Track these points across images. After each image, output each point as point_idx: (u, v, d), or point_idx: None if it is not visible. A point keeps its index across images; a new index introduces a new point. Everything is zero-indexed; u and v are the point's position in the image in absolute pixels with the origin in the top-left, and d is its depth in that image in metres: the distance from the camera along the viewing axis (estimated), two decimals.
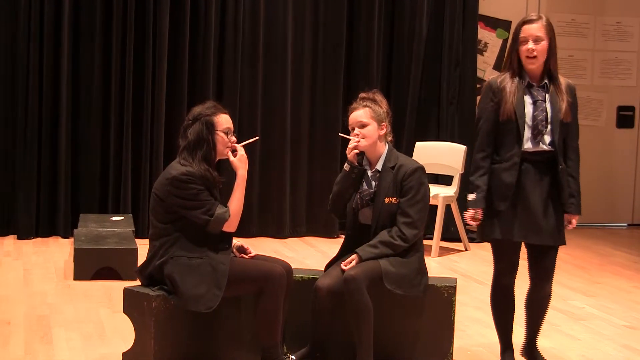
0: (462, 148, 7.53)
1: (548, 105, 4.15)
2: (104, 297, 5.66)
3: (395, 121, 8.10)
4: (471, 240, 7.86)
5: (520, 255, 4.32)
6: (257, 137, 4.33)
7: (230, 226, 4.18)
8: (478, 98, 8.50)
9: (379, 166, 4.40)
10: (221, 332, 4.29)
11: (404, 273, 4.27)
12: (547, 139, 4.14)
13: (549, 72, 4.20)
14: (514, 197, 4.14)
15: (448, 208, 7.48)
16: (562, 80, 4.22)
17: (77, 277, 6.04)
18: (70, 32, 7.37)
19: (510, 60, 4.22)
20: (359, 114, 4.39)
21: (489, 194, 4.18)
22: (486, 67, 8.74)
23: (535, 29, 4.14)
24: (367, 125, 4.36)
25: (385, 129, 4.41)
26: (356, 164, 4.37)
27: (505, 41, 8.76)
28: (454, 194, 7.43)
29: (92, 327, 5.01)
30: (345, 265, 4.23)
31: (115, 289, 5.73)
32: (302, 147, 7.96)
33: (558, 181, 4.16)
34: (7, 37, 7.36)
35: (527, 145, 4.14)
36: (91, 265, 6.04)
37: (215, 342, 4.29)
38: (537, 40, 4.13)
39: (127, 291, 4.24)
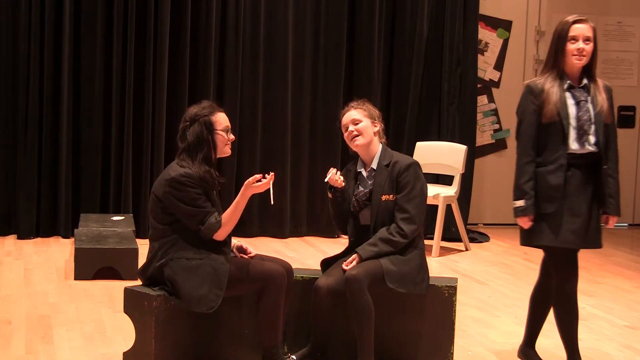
0: (463, 148, 7.53)
1: (590, 106, 4.13)
2: (104, 296, 5.66)
3: (396, 121, 8.15)
4: (472, 240, 7.87)
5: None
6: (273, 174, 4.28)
7: (219, 236, 4.14)
8: (479, 98, 8.56)
9: (374, 165, 4.41)
10: (222, 332, 4.30)
11: (405, 271, 4.26)
12: (592, 139, 4.12)
13: (589, 73, 4.17)
14: (560, 201, 4.11)
15: (449, 208, 7.48)
16: (600, 82, 4.20)
17: (77, 276, 6.04)
18: (71, 31, 7.36)
19: (554, 60, 4.16)
20: (352, 112, 4.44)
21: (535, 198, 4.14)
22: (487, 67, 8.74)
23: (586, 29, 4.13)
24: (360, 122, 4.39)
25: (378, 127, 4.44)
26: (337, 186, 4.36)
27: (506, 41, 8.77)
28: (454, 194, 7.43)
29: (93, 327, 5.01)
30: (346, 266, 4.23)
31: (116, 288, 5.73)
32: (303, 146, 7.96)
33: (601, 182, 4.14)
34: (8, 36, 7.36)
35: (574, 146, 4.11)
36: (92, 265, 6.04)
37: (216, 341, 4.29)
38: (587, 40, 4.12)
39: (127, 291, 4.24)
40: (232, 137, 4.28)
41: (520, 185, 4.14)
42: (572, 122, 4.11)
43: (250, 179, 4.18)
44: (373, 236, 4.31)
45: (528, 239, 4.22)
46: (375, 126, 4.43)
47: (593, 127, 4.12)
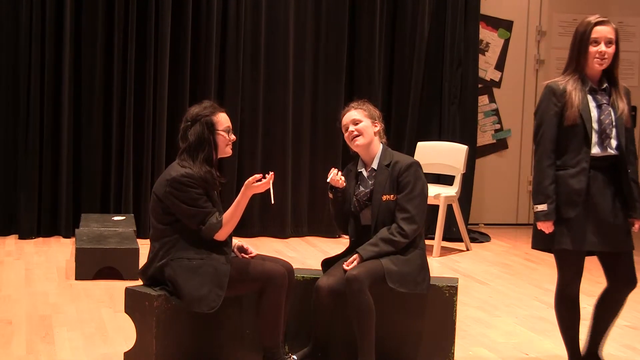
0: (464, 148, 7.53)
1: (611, 109, 4.07)
2: (105, 296, 5.66)
3: (397, 121, 8.15)
4: (472, 240, 7.87)
5: (595, 263, 4.25)
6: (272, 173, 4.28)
7: (220, 236, 4.14)
8: (480, 98, 8.56)
9: (374, 165, 4.41)
10: (223, 332, 4.29)
11: (406, 271, 4.26)
12: (614, 143, 4.06)
13: (610, 75, 4.11)
14: (583, 204, 4.04)
15: (450, 208, 7.47)
16: (620, 85, 4.14)
17: (78, 276, 6.04)
18: (72, 31, 7.37)
19: (576, 63, 4.08)
20: (352, 113, 4.45)
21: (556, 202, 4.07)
22: (488, 67, 8.74)
23: (608, 31, 4.04)
24: (361, 122, 4.40)
25: (378, 127, 4.44)
26: (338, 186, 4.36)
27: (507, 41, 8.77)
28: (455, 194, 7.43)
29: (94, 327, 5.01)
30: (347, 266, 4.23)
31: (116, 288, 5.73)
32: (304, 146, 7.96)
33: (626, 185, 4.07)
34: (9, 36, 7.37)
35: (595, 149, 4.05)
36: (93, 265, 6.04)
37: (216, 341, 4.29)
38: (609, 42, 4.04)
39: (128, 291, 4.24)
40: (233, 137, 4.28)
41: (543, 189, 4.06)
42: (595, 125, 4.05)
43: (250, 178, 4.18)
44: (374, 236, 4.31)
45: (546, 242, 4.15)
46: (376, 126, 4.44)
47: (614, 130, 4.06)
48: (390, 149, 4.48)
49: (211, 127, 4.18)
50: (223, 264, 4.10)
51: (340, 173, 4.39)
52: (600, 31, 4.04)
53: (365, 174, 4.43)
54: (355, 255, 4.27)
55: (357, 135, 4.39)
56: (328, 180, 4.37)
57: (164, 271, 4.13)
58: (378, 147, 4.43)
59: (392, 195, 4.33)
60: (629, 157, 4.12)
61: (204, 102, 4.31)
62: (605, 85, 4.12)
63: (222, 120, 4.23)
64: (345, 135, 4.45)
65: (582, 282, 4.34)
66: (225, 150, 4.26)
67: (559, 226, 4.08)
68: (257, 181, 4.17)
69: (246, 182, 4.19)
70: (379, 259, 4.23)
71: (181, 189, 4.08)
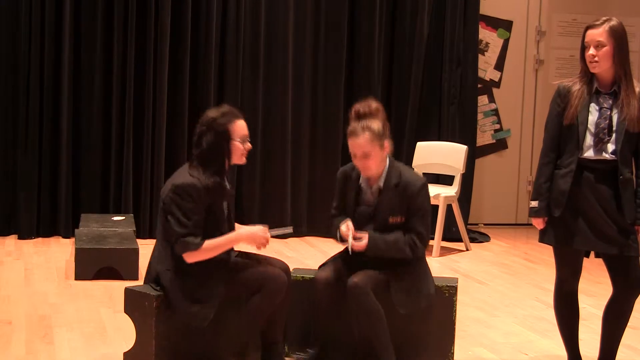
0: (463, 148, 7.53)
1: (615, 114, 4.04)
2: (105, 297, 5.66)
3: (397, 121, 8.14)
4: (472, 240, 7.87)
5: (595, 263, 4.27)
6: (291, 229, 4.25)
7: (190, 257, 4.02)
8: (479, 98, 8.56)
9: (380, 182, 4.25)
10: (222, 332, 4.29)
11: (407, 288, 4.23)
12: (610, 147, 4.05)
13: (620, 78, 4.07)
14: (574, 204, 4.08)
15: (449, 208, 7.47)
16: (636, 87, 4.08)
17: (78, 277, 6.04)
18: (71, 31, 7.36)
19: (581, 66, 4.12)
20: (360, 142, 4.14)
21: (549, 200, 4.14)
22: (487, 67, 8.74)
23: (597, 33, 4.03)
24: (370, 154, 4.15)
25: (387, 147, 4.22)
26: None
27: (506, 41, 8.78)
28: (455, 194, 7.43)
29: (93, 327, 5.01)
30: (354, 237, 4.13)
31: (116, 288, 5.73)
32: (303, 147, 7.96)
33: (619, 192, 4.06)
34: (8, 36, 7.36)
35: (588, 153, 4.07)
36: (92, 265, 6.04)
37: (215, 342, 4.28)
38: (598, 45, 4.02)
39: (128, 291, 4.24)
40: (249, 146, 4.18)
41: (537, 187, 4.17)
42: (591, 128, 4.06)
43: (261, 233, 4.16)
44: (391, 233, 4.20)
45: (541, 237, 4.25)
46: (385, 149, 4.21)
47: (614, 135, 4.04)
48: (396, 162, 4.29)
49: (226, 136, 4.08)
50: (217, 280, 4.05)
51: (351, 229, 4.18)
52: (589, 35, 4.07)
53: (368, 190, 4.29)
54: (364, 242, 4.14)
55: (368, 166, 4.20)
56: (342, 228, 4.20)
57: (161, 277, 4.12)
58: (385, 163, 4.25)
59: (399, 217, 4.23)
60: (638, 162, 4.11)
61: (222, 107, 4.20)
62: (614, 88, 4.09)
63: (239, 128, 4.12)
64: (354, 160, 4.23)
65: (582, 282, 4.34)
66: (240, 160, 4.17)
67: (548, 223, 4.18)
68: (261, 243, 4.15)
69: (254, 229, 4.16)
70: (383, 272, 4.18)
71: (181, 195, 4.03)
